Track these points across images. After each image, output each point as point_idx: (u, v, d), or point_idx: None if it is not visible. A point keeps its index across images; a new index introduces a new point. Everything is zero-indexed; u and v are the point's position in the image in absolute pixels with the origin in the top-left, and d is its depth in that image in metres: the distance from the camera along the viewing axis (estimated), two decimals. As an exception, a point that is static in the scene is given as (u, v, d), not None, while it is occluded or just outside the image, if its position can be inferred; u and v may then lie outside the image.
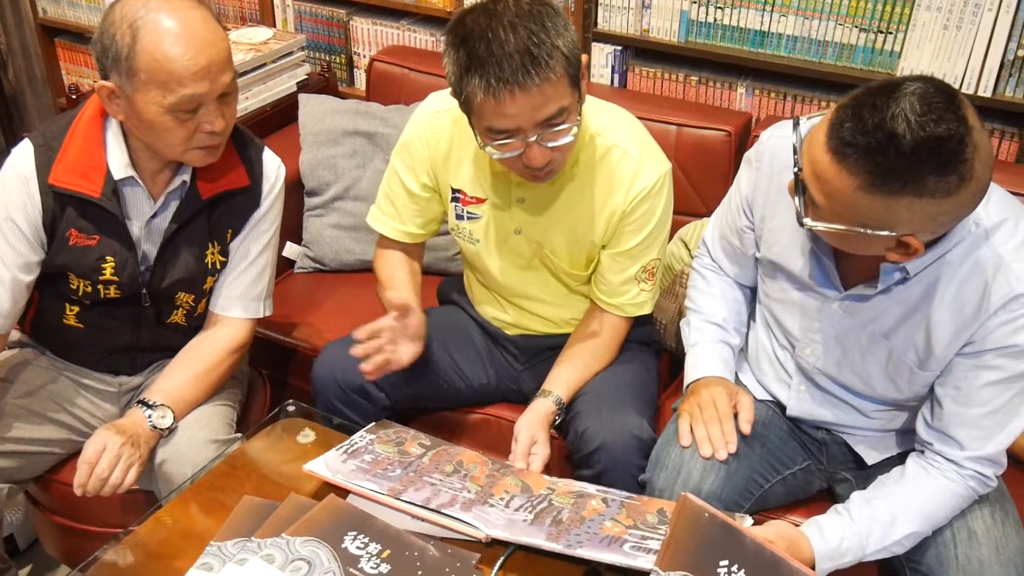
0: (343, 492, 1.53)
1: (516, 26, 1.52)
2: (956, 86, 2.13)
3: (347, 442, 1.65)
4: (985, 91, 2.13)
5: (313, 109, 2.54)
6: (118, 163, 1.69)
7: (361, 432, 1.69)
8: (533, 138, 1.59)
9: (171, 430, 1.74)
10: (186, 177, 1.73)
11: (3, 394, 1.81)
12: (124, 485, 1.65)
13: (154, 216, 1.75)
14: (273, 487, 1.59)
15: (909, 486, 1.53)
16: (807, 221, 1.38)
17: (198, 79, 1.56)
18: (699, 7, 2.37)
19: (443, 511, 1.46)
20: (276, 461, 1.68)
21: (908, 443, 1.64)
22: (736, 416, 1.67)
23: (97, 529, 1.87)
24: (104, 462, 1.63)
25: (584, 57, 1.63)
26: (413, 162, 1.87)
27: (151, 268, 1.77)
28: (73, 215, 1.70)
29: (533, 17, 1.54)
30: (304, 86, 2.82)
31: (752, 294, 1.82)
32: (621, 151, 1.78)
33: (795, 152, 1.38)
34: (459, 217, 1.90)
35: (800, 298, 1.63)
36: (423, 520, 1.47)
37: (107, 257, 1.73)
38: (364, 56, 2.89)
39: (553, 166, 1.67)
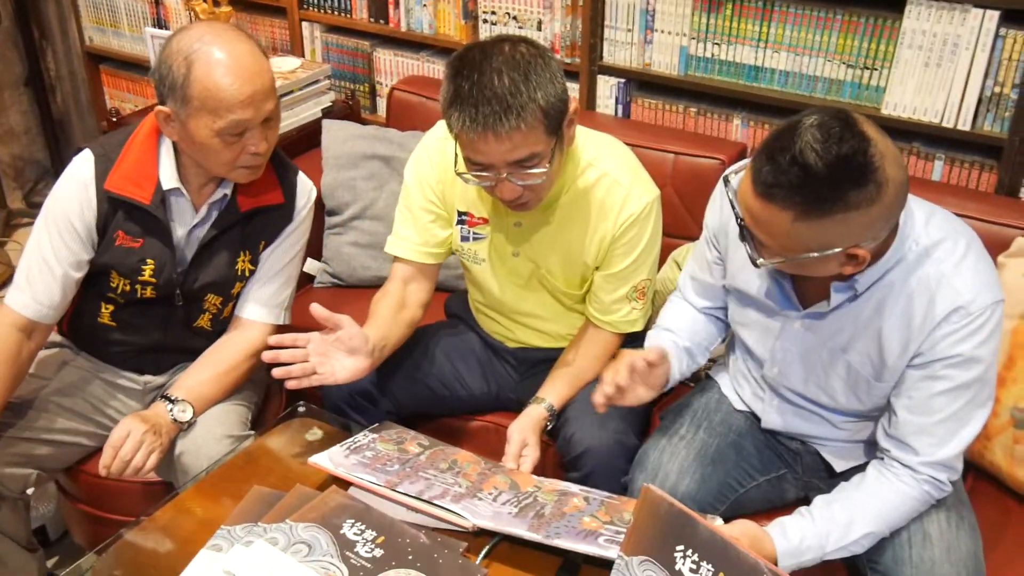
0: (345, 484, 1.63)
1: (502, 73, 1.64)
2: (937, 120, 2.25)
3: (351, 439, 1.76)
4: (964, 125, 2.23)
5: (335, 134, 2.69)
6: (168, 175, 1.85)
7: (365, 431, 1.80)
8: (504, 175, 1.71)
9: (190, 424, 1.88)
10: (227, 191, 1.89)
11: (39, 389, 1.96)
12: (145, 469, 1.79)
13: (196, 225, 1.91)
14: (282, 479, 1.70)
15: (867, 490, 1.62)
16: (761, 261, 1.50)
17: (244, 106, 1.72)
18: (698, 43, 2.50)
19: (435, 502, 1.56)
20: (285, 456, 1.80)
21: (874, 453, 1.73)
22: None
23: (122, 518, 1.98)
24: (128, 446, 1.76)
25: (573, 105, 1.74)
26: (422, 183, 1.98)
27: (186, 271, 1.93)
28: (122, 218, 1.86)
29: (520, 67, 1.65)
30: (329, 112, 2.97)
31: (724, 328, 1.93)
32: (612, 179, 1.89)
33: (732, 206, 1.51)
34: (464, 239, 2.01)
35: (764, 321, 1.74)
36: (416, 511, 1.57)
37: (148, 260, 1.88)
38: (386, 85, 3.05)
39: (524, 200, 1.78)
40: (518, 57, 1.67)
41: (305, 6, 3.14)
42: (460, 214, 1.99)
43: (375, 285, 2.60)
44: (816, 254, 1.43)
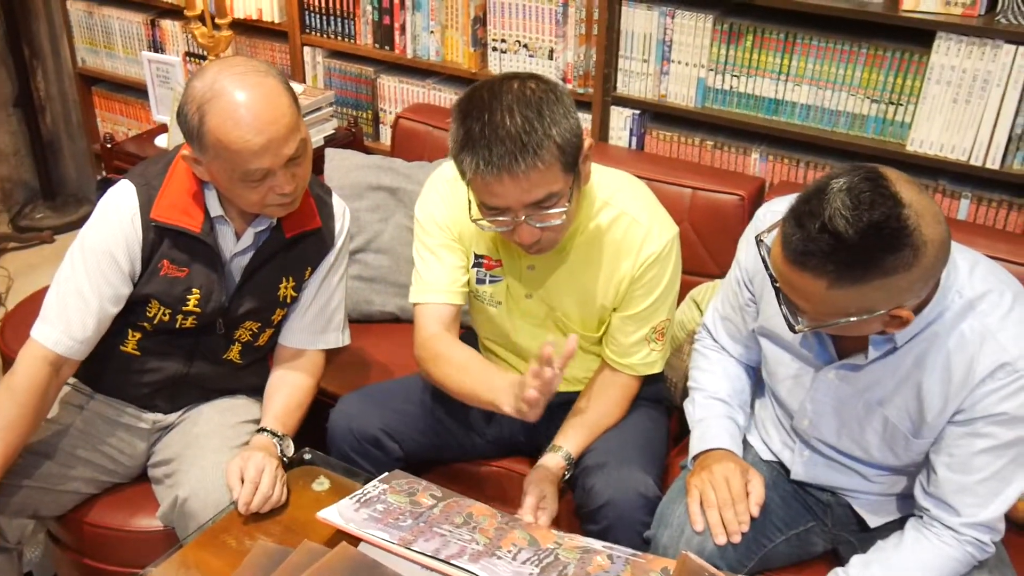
0: (355, 540, 1.56)
1: (514, 111, 1.58)
2: (965, 158, 2.20)
3: (360, 491, 1.69)
4: (993, 163, 2.18)
5: (339, 163, 2.62)
6: (212, 203, 1.81)
7: (374, 482, 1.73)
8: (523, 218, 1.65)
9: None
10: (272, 220, 1.84)
11: (48, 435, 1.88)
12: (281, 501, 1.73)
13: (239, 252, 1.86)
14: (288, 532, 1.64)
15: (907, 551, 1.56)
16: (799, 328, 1.45)
17: (259, 156, 1.65)
18: (715, 74, 2.44)
19: (452, 562, 1.50)
20: (292, 507, 1.72)
21: (910, 507, 1.67)
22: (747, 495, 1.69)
23: (117, 568, 1.92)
24: (267, 481, 1.70)
25: (588, 142, 1.68)
26: (438, 222, 1.90)
27: (230, 299, 1.87)
28: (168, 247, 1.80)
29: (532, 104, 1.59)
30: (331, 140, 2.90)
31: (756, 373, 1.87)
32: (630, 218, 1.83)
33: (767, 267, 1.45)
34: (480, 281, 1.94)
35: (796, 369, 1.68)
36: (432, 570, 1.51)
37: (194, 289, 1.83)
38: (390, 112, 2.98)
39: (543, 244, 1.72)
40: (528, 94, 1.61)
41: (307, 30, 3.07)
42: (477, 257, 1.92)
43: (379, 320, 2.56)
44: (855, 318, 1.39)
